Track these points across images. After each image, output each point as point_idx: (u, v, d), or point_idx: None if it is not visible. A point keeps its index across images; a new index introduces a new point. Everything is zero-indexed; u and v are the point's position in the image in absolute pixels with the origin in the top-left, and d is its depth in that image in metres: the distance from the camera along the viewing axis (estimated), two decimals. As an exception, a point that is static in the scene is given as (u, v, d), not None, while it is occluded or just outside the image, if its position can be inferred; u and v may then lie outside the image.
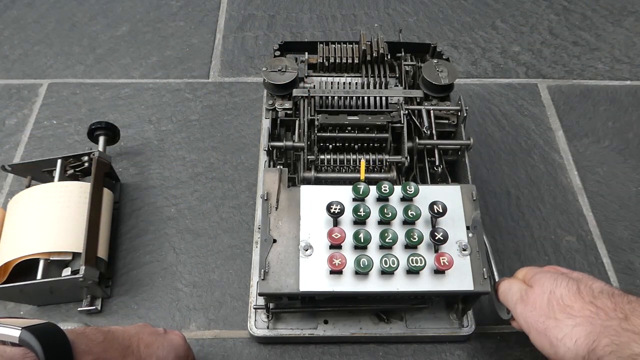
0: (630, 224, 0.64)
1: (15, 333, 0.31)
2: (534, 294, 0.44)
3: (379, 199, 0.48)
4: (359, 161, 0.52)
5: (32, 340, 0.31)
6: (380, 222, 0.47)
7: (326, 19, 0.86)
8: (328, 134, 0.52)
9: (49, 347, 0.31)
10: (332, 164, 0.52)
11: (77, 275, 0.51)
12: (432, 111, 0.53)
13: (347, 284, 0.45)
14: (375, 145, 0.53)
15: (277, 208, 0.48)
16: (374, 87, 0.57)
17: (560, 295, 0.42)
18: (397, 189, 0.48)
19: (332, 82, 0.57)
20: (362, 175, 0.50)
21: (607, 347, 0.38)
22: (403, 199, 0.48)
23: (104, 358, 0.36)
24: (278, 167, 0.50)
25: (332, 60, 0.57)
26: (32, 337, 0.31)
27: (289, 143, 0.52)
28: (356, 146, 0.53)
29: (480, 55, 0.81)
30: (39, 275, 0.52)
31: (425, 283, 0.45)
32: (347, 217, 0.47)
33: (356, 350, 0.54)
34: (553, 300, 0.42)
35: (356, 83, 0.57)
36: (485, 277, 0.45)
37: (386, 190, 0.47)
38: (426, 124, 0.52)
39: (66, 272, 0.52)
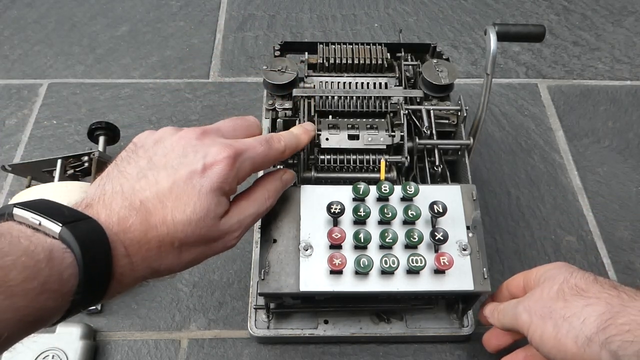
0: (630, 224, 0.64)
1: (55, 228, 0.30)
2: (543, 288, 0.40)
3: (379, 199, 0.48)
4: (358, 161, 0.52)
5: (71, 239, 0.30)
6: (380, 222, 0.47)
7: (326, 19, 0.86)
8: (329, 156, 0.52)
9: (86, 247, 0.30)
10: (332, 163, 0.52)
11: (77, 275, 0.51)
12: (432, 111, 0.53)
13: (347, 284, 0.45)
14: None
15: (277, 208, 0.48)
16: (374, 87, 0.57)
17: (574, 283, 0.39)
18: (397, 189, 0.48)
19: (332, 83, 0.57)
20: (382, 175, 0.50)
21: (625, 325, 0.34)
22: (403, 199, 0.48)
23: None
24: (278, 167, 0.50)
25: (332, 60, 0.57)
26: (71, 236, 0.30)
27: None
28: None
29: (480, 55, 0.81)
30: (39, 275, 0.52)
31: (425, 283, 0.45)
32: (347, 217, 0.47)
33: (356, 350, 0.54)
34: (565, 287, 0.39)
35: (356, 83, 0.57)
36: (485, 277, 0.45)
37: (386, 190, 0.47)
38: (426, 124, 0.52)
39: (66, 272, 0.52)
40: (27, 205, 0.31)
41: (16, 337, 0.29)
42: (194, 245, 0.37)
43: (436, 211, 0.46)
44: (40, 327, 0.30)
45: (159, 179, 0.36)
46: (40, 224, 0.31)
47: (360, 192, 0.47)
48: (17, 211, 0.31)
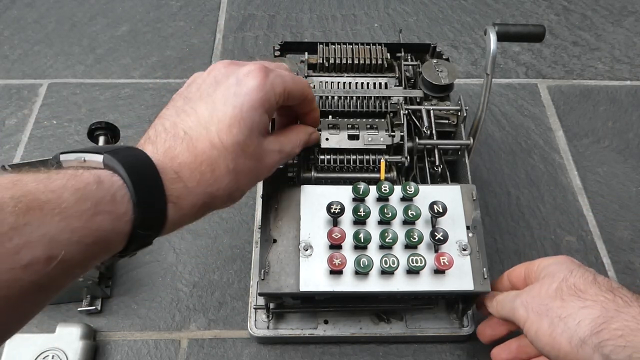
0: (630, 224, 0.64)
1: (98, 158, 0.32)
2: (542, 284, 0.41)
3: (379, 199, 0.48)
4: (358, 161, 0.52)
5: (114, 163, 0.31)
6: (380, 222, 0.47)
7: (326, 19, 0.86)
8: (329, 156, 0.52)
9: (132, 168, 0.31)
10: (332, 163, 0.52)
11: (77, 275, 0.51)
12: (432, 111, 0.53)
13: (347, 284, 0.45)
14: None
15: (277, 208, 0.48)
16: (374, 87, 0.57)
17: (573, 282, 0.39)
18: (397, 189, 0.48)
19: (332, 83, 0.57)
20: (382, 175, 0.50)
21: (618, 330, 0.35)
22: (403, 199, 0.48)
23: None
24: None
25: (332, 60, 0.57)
26: (113, 160, 0.31)
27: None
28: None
29: (480, 55, 0.81)
30: (39, 275, 0.52)
31: (425, 283, 0.45)
32: (347, 217, 0.47)
33: (356, 350, 0.54)
34: (564, 286, 0.39)
35: (356, 83, 0.57)
36: (485, 277, 0.45)
37: (386, 190, 0.47)
38: (426, 124, 0.52)
39: (66, 272, 0.52)
40: (70, 151, 0.33)
41: (77, 260, 0.29)
42: (245, 166, 0.37)
43: (436, 211, 0.46)
44: (105, 252, 0.31)
45: (197, 108, 0.37)
46: (84, 160, 0.32)
47: (360, 192, 0.47)
48: (63, 157, 0.33)
